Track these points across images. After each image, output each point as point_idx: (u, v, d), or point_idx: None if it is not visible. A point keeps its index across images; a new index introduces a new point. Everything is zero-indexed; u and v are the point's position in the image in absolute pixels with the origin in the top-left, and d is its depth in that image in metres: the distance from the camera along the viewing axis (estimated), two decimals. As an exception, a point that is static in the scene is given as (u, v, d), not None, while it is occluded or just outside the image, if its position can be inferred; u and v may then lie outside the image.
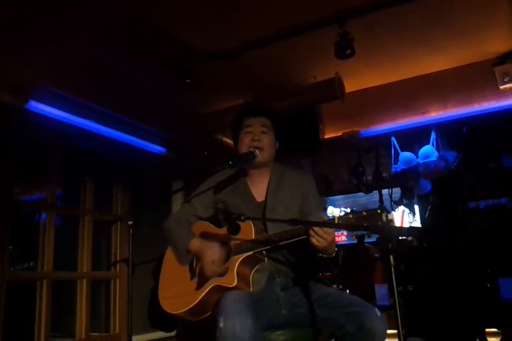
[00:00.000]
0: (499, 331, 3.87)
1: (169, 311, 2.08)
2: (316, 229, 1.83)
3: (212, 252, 2.05)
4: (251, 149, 2.19)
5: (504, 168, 4.48)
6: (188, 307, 2.00)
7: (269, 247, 1.98)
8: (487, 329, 3.81)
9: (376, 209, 1.77)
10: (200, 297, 1.99)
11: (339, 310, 1.86)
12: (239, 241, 2.03)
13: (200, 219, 2.29)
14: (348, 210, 1.84)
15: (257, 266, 2.01)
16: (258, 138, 2.22)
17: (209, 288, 1.99)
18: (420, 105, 4.95)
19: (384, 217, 1.73)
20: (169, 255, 2.29)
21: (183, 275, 2.14)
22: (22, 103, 3.56)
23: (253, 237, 2.01)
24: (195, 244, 2.13)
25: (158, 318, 4.34)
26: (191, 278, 2.10)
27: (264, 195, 2.23)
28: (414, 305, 3.99)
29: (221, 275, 2.00)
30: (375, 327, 1.77)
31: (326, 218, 1.96)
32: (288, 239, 1.93)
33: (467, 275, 3.89)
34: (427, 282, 4.10)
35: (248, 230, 2.03)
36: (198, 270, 2.11)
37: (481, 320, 3.76)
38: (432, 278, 4.04)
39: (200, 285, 2.04)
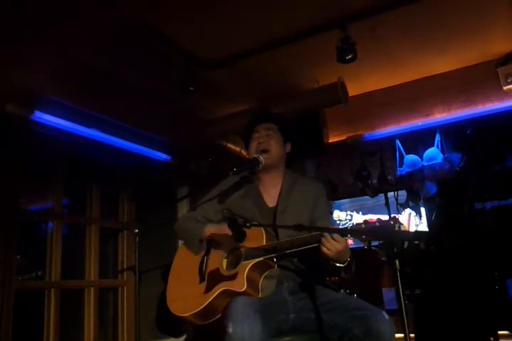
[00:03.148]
0: (510, 333, 3.83)
1: (176, 313, 2.08)
2: (327, 237, 1.83)
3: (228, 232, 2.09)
4: (255, 155, 2.22)
5: (509, 168, 4.45)
6: (196, 310, 2.00)
7: (279, 254, 1.98)
8: (499, 332, 3.77)
9: (389, 221, 1.78)
10: (209, 300, 1.98)
11: (346, 314, 1.85)
12: (250, 247, 2.03)
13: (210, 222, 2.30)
14: (361, 220, 1.85)
15: (266, 273, 2.01)
16: (263, 141, 2.26)
17: (218, 292, 1.99)
18: (424, 107, 4.94)
19: (397, 228, 1.74)
20: (178, 258, 2.30)
21: (192, 278, 2.14)
22: (28, 113, 3.58)
23: (264, 243, 2.01)
24: (210, 228, 2.18)
25: (166, 323, 4.32)
26: (200, 282, 2.10)
27: (276, 200, 2.24)
28: (424, 308, 3.96)
29: (231, 279, 1.99)
30: (383, 329, 1.75)
31: (334, 225, 1.96)
32: (299, 247, 1.93)
33: (475, 277, 3.86)
34: (434, 285, 4.07)
35: (259, 236, 2.03)
36: (207, 274, 2.11)
37: (491, 322, 3.73)
38: (440, 281, 4.01)
39: (209, 289, 2.04)
